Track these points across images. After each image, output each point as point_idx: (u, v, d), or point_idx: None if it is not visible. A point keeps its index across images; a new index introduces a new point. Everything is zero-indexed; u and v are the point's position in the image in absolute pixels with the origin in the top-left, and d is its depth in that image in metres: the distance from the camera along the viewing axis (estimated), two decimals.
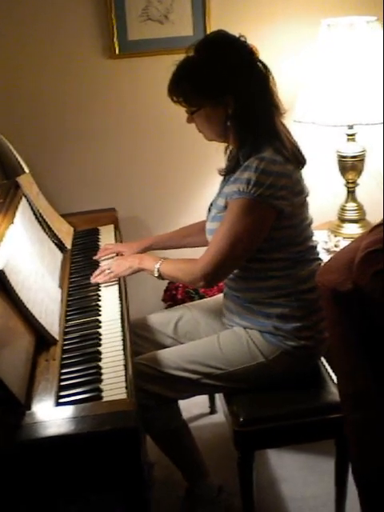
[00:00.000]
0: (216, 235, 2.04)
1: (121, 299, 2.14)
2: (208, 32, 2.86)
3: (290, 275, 2.09)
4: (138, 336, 2.30)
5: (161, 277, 2.19)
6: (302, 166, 2.09)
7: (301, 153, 2.09)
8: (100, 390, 1.65)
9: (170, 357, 2.13)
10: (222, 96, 2.00)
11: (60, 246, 2.47)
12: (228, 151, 2.19)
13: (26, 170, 2.42)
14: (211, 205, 2.22)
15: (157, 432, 2.18)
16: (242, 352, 2.12)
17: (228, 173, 2.13)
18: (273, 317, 2.10)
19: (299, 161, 2.07)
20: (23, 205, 2.29)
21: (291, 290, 2.09)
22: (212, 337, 2.20)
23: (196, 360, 2.12)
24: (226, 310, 2.26)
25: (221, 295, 2.37)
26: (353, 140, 2.94)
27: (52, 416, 1.55)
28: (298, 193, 2.04)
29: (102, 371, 1.74)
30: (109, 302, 2.13)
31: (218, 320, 2.32)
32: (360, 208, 3.02)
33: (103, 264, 2.40)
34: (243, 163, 2.01)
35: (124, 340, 1.87)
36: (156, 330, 2.35)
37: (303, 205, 2.09)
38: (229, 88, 2.00)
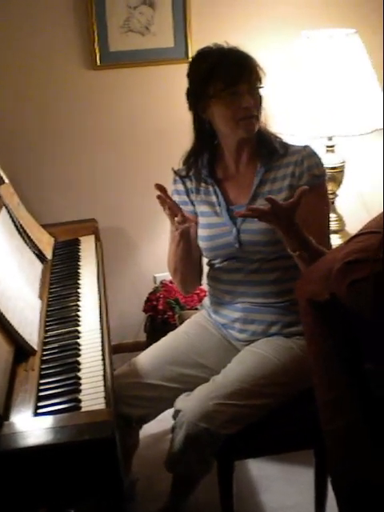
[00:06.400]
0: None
1: (100, 310, 2.13)
2: (189, 44, 2.89)
3: None
4: (142, 398, 2.07)
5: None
6: None
7: None
8: (79, 401, 1.64)
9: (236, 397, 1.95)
10: None
11: (40, 256, 2.46)
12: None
13: (6, 180, 2.42)
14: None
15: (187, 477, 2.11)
16: (298, 360, 2.03)
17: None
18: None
19: None
20: (3, 215, 2.29)
21: None
22: (256, 355, 2.05)
23: (266, 382, 1.99)
24: (254, 325, 2.13)
25: (192, 314, 2.32)
26: (332, 151, 2.96)
27: (30, 426, 1.54)
28: None
29: (81, 381, 1.72)
30: (88, 312, 2.11)
31: (216, 338, 2.21)
32: (340, 219, 3.04)
33: None
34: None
35: (103, 351, 1.87)
36: (159, 386, 2.08)
37: None
38: None
